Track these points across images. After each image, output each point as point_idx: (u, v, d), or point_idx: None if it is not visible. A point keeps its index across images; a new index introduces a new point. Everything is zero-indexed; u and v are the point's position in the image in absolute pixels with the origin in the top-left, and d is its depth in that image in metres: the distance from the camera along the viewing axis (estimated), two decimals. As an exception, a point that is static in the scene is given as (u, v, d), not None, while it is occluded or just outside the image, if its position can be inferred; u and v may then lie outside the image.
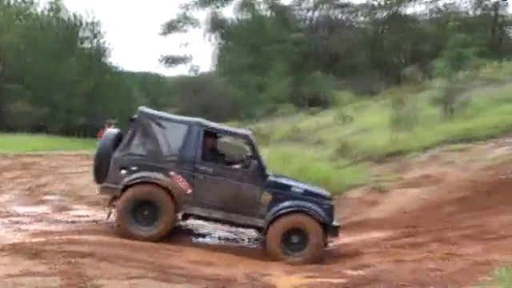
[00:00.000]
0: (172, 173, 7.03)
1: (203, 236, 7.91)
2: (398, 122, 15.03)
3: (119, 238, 6.57)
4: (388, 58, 37.01)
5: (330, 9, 39.59)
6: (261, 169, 7.21)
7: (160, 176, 6.97)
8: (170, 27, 39.28)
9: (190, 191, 7.04)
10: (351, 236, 8.05)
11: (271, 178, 7.25)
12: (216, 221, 7.45)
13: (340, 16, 40.36)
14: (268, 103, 29.69)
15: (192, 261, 6.10)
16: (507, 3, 37.40)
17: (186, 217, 7.45)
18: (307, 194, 7.26)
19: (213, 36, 39.44)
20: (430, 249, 6.80)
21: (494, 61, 24.50)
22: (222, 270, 5.79)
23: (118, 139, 7.38)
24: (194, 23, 39.35)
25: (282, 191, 7.21)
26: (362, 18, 40.55)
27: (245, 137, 7.58)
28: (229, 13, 42.40)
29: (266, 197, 7.15)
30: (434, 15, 39.26)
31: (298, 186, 7.35)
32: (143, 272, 5.16)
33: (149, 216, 6.88)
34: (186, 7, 39.10)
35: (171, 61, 40.40)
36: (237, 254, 6.87)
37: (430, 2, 38.62)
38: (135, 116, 7.31)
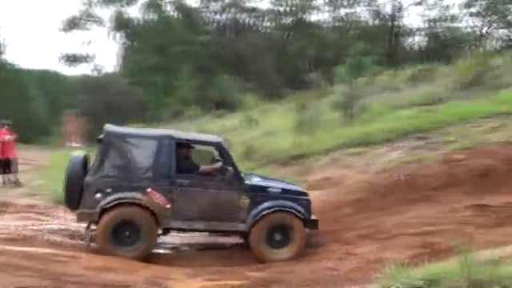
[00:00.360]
0: (149, 190, 6.95)
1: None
2: (301, 126, 15.49)
3: (10, 246, 6.20)
4: (293, 63, 38.02)
5: (237, 12, 40.01)
6: (237, 174, 7.30)
7: (137, 195, 6.89)
8: (72, 24, 37.76)
9: (168, 206, 6.99)
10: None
11: (247, 182, 7.38)
12: (198, 231, 7.47)
13: (247, 20, 40.91)
14: (175, 105, 29.42)
15: (91, 267, 5.90)
16: (403, 15, 39.76)
17: (166, 231, 7.36)
18: (284, 193, 7.45)
19: (117, 35, 38.45)
20: (328, 249, 7.06)
21: (390, 69, 25.98)
22: (122, 276, 5.65)
23: (85, 162, 7.25)
24: (98, 21, 38.16)
25: (259, 193, 7.33)
26: (268, 24, 41.38)
27: (217, 144, 7.60)
28: (134, 12, 41.46)
29: (245, 201, 7.24)
30: (336, 23, 40.94)
31: (274, 186, 7.52)
32: (35, 281, 4.91)
33: (131, 235, 6.83)
34: (89, 4, 37.82)
35: (72, 59, 38.84)
36: (142, 259, 6.73)
37: (333, 10, 40.26)
38: (102, 136, 7.08)
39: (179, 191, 7.07)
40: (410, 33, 40.77)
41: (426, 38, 40.50)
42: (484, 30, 38.79)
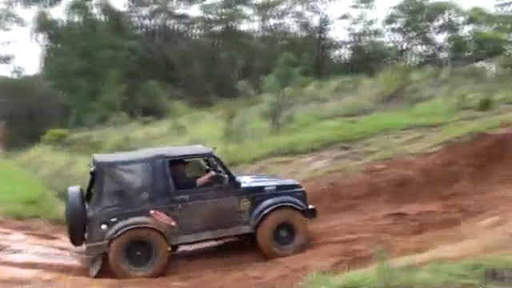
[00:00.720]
0: (152, 211, 7.12)
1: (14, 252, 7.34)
2: (229, 134, 15.55)
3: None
4: (223, 71, 38.13)
5: (166, 18, 39.63)
6: (232, 179, 7.54)
7: (142, 219, 7.06)
8: (-9, 23, 35.94)
9: (173, 223, 7.17)
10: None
11: (244, 185, 7.63)
12: (206, 241, 7.65)
13: (176, 26, 40.63)
14: (100, 111, 28.61)
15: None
16: (330, 28, 40.98)
17: (175, 247, 7.54)
18: (280, 189, 7.75)
19: (40, 36, 36.96)
20: (253, 257, 7.13)
21: (317, 80, 26.67)
22: None
23: (82, 196, 7.30)
24: (19, 21, 36.54)
25: (257, 194, 7.62)
26: (198, 31, 41.28)
27: (209, 154, 7.78)
28: (59, 13, 40.01)
29: (245, 203, 7.52)
30: (265, 33, 41.53)
31: (270, 184, 7.81)
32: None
33: (143, 256, 7.02)
34: (10, 3, 36.16)
35: (-10, 60, 36.93)
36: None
37: (262, 20, 40.83)
38: (93, 168, 7.18)
39: (181, 207, 7.27)
40: (336, 45, 42.10)
41: (351, 51, 41.94)
42: (404, 46, 40.73)
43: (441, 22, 38.71)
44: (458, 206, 8.64)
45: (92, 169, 7.26)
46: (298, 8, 40.70)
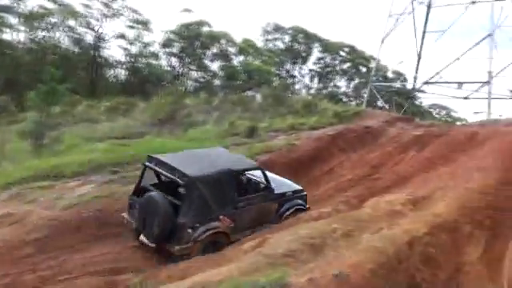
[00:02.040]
0: (221, 217, 8.94)
1: None
2: (-18, 155, 13.87)
3: None
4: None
5: None
6: (272, 188, 9.93)
7: (216, 224, 8.86)
8: None
9: (232, 225, 9.06)
10: None
11: (275, 191, 9.99)
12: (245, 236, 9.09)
13: None
14: None
15: None
16: (106, 46, 40.05)
17: (231, 242, 8.91)
18: (294, 193, 10.41)
19: None
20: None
21: (89, 99, 25.62)
22: None
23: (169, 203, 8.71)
24: None
25: (281, 198, 10.10)
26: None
27: (260, 168, 10.03)
28: None
29: (274, 205, 9.96)
30: (33, 45, 38.67)
31: (289, 190, 10.37)
32: None
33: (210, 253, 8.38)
34: None
35: None
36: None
37: (29, 31, 38.00)
38: (185, 182, 8.69)
39: (239, 211, 9.23)
40: (112, 65, 41.23)
41: (127, 72, 41.54)
42: (181, 71, 41.94)
43: (215, 50, 40.95)
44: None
45: (183, 183, 8.73)
46: (71, 22, 38.96)
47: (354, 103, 42.86)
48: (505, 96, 30.26)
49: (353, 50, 46.52)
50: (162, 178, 9.54)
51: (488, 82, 29.61)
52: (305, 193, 10.72)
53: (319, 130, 16.10)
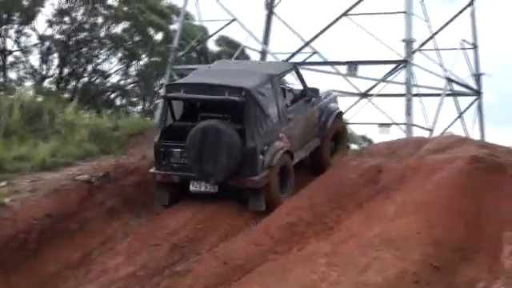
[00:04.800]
0: (280, 135, 8.21)
1: None
2: None
3: None
4: None
5: None
6: (310, 92, 9.01)
7: (280, 144, 8.11)
8: None
9: (289, 144, 8.29)
10: None
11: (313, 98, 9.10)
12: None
13: None
14: None
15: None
16: None
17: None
18: (325, 96, 9.54)
19: None
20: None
21: None
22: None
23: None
24: None
25: (319, 103, 9.19)
26: None
27: (295, 67, 9.47)
28: None
29: (316, 113, 9.08)
30: None
31: (324, 92, 9.57)
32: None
33: (283, 181, 8.13)
34: None
35: None
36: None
37: None
38: (241, 97, 7.77)
39: (291, 125, 8.45)
40: None
41: None
42: None
43: None
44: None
45: (236, 98, 7.79)
46: None
47: (138, 109, 23.97)
48: (438, 89, 18.34)
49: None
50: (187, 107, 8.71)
51: (405, 62, 16.98)
52: (333, 92, 10.17)
53: (61, 172, 8.76)
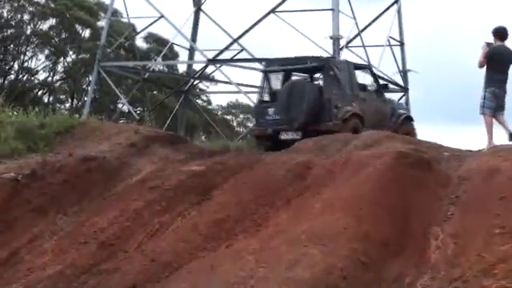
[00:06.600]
0: (353, 104, 10.98)
1: None
2: None
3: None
4: None
5: None
6: (382, 89, 12.27)
7: (352, 108, 10.83)
8: None
9: (360, 112, 10.95)
10: None
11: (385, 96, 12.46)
12: None
13: None
14: None
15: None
16: None
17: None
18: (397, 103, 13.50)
19: None
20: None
21: None
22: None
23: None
24: None
25: (392, 103, 12.45)
26: None
27: (369, 67, 13.57)
28: None
29: (388, 108, 11.95)
30: None
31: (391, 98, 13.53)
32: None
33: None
34: None
35: None
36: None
37: None
38: (322, 63, 11.35)
39: (363, 104, 11.12)
40: None
41: None
42: None
43: None
44: None
45: (317, 64, 11.36)
46: None
47: (67, 106, 23.84)
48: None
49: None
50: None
51: (333, 59, 16.45)
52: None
53: None
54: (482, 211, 6.82)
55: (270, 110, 10.96)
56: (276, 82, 11.64)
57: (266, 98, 11.89)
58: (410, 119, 12.38)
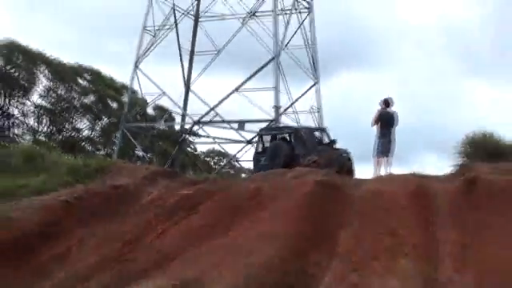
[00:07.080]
0: (313, 155, 16.52)
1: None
2: None
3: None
4: None
5: None
6: (333, 143, 18.68)
7: (313, 158, 16.24)
8: None
9: (318, 159, 16.29)
10: None
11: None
12: None
13: None
14: None
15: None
16: None
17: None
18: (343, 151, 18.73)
19: None
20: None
21: None
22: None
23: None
24: None
25: (338, 150, 18.39)
26: None
27: (324, 129, 20.46)
28: None
29: (336, 154, 18.13)
30: None
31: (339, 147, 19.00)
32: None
33: None
34: None
35: None
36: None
37: None
38: (294, 132, 18.67)
39: (319, 153, 16.86)
40: None
41: None
42: None
43: None
44: None
45: (291, 131, 18.89)
46: None
47: (102, 152, 33.04)
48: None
49: (97, 76, 34.06)
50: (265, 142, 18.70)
51: (274, 121, 26.87)
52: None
53: (48, 195, 11.94)
54: (372, 219, 9.67)
55: (262, 159, 17.58)
56: (266, 140, 18.50)
57: (260, 150, 18.55)
58: (349, 159, 17.90)
